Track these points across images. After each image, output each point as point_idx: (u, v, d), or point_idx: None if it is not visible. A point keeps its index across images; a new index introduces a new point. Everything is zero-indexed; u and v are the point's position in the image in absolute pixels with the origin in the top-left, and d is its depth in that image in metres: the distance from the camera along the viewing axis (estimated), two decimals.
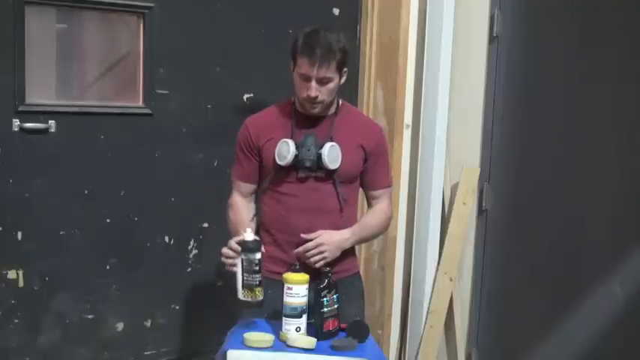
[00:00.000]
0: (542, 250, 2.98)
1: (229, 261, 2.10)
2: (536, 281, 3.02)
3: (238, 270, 2.04)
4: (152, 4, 2.82)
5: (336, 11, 3.25)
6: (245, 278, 2.03)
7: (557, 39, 2.92)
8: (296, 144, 2.18)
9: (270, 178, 2.26)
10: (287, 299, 2.03)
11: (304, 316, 2.04)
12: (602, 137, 2.75)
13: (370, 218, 2.36)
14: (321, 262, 2.19)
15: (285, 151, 2.18)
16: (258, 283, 2.03)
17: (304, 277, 2.05)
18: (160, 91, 2.89)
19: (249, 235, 2.04)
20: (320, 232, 2.20)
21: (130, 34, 2.87)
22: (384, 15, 3.21)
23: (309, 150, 2.17)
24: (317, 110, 2.21)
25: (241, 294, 2.04)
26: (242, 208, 2.33)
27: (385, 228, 2.43)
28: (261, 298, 2.04)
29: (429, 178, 3.15)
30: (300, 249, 2.19)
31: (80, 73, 2.86)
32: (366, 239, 2.47)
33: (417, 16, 3.17)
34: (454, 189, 3.21)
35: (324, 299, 2.06)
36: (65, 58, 2.80)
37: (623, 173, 2.68)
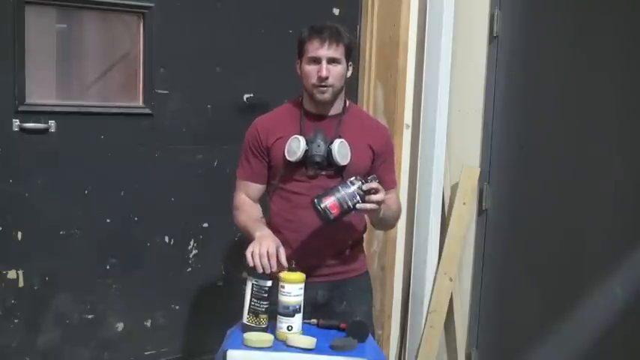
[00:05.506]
0: (542, 250, 2.98)
1: (264, 262, 2.02)
2: (536, 281, 3.02)
3: (247, 294, 2.05)
4: (152, 4, 2.82)
5: (336, 11, 3.25)
6: (252, 303, 2.04)
7: (557, 39, 2.92)
8: (306, 140, 2.18)
9: (279, 177, 2.26)
10: (280, 297, 2.03)
11: (297, 316, 2.03)
12: (603, 137, 2.75)
13: (389, 200, 2.24)
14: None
15: (296, 146, 2.18)
16: (264, 310, 2.04)
17: (299, 276, 2.04)
18: (159, 91, 2.89)
19: None
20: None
21: (130, 34, 2.87)
22: (384, 15, 3.21)
23: (319, 146, 2.18)
24: (327, 96, 2.20)
25: (246, 319, 2.05)
26: (251, 206, 2.30)
27: (398, 217, 2.40)
28: (265, 325, 2.05)
29: (429, 178, 3.15)
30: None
31: (80, 73, 2.86)
32: (387, 217, 2.30)
33: (417, 16, 3.17)
34: (454, 189, 3.21)
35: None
36: (65, 58, 2.80)
37: (624, 174, 2.68)
